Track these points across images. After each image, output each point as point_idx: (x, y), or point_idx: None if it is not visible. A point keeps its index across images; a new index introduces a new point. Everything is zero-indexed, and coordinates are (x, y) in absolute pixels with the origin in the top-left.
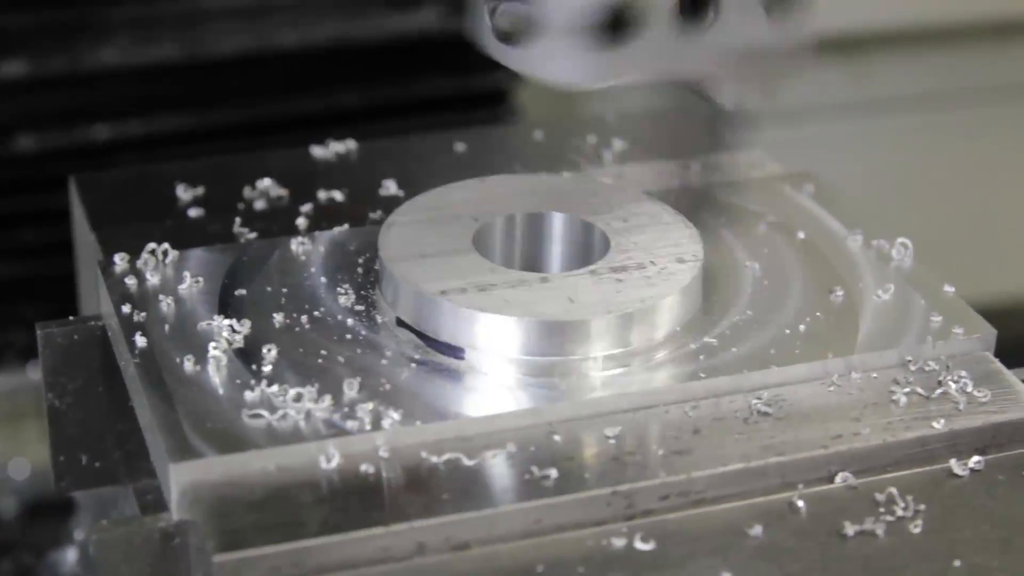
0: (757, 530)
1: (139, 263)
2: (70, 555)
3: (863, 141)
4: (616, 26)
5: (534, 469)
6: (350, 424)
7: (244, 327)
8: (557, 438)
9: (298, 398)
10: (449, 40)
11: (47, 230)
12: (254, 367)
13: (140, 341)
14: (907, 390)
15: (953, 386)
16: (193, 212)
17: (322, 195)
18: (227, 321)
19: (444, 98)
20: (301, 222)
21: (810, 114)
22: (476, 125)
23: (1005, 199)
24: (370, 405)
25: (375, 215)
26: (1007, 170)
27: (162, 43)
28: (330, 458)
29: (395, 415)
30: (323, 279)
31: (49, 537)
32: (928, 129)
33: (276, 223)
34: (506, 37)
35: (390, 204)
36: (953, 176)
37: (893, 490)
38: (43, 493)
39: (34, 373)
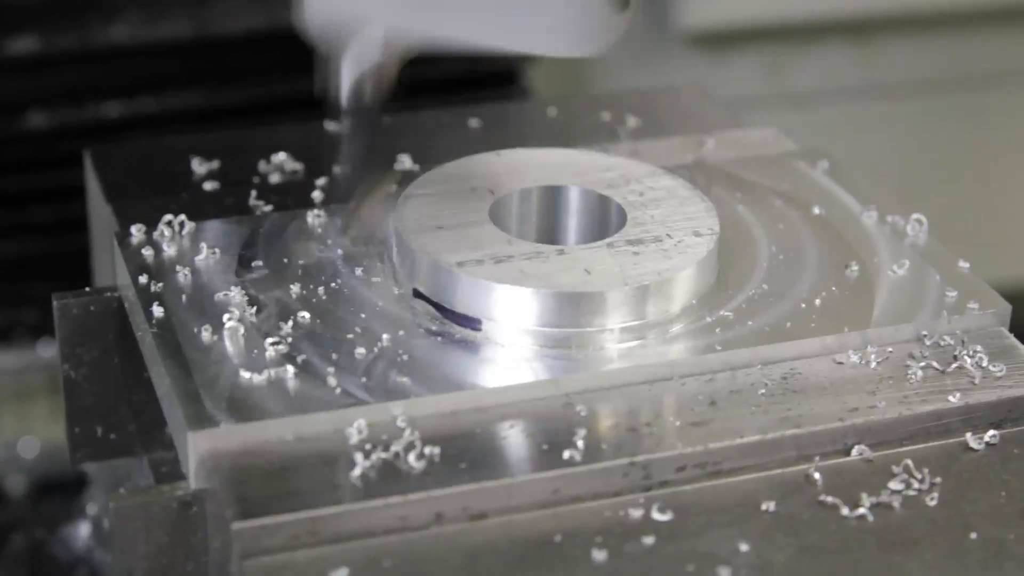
0: (773, 502)
1: (155, 234)
2: (82, 529)
3: (872, 123)
4: None
5: (551, 439)
6: (367, 394)
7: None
8: (577, 409)
9: (315, 368)
10: None
11: (58, 208)
12: (271, 337)
13: (157, 311)
14: (923, 364)
15: (968, 360)
16: (208, 185)
17: (337, 169)
18: (243, 292)
19: (455, 79)
20: (316, 195)
21: (819, 97)
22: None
23: (1016, 181)
24: (387, 375)
25: (390, 189)
26: (1018, 153)
27: (172, 20)
28: (348, 427)
29: (412, 385)
30: (339, 251)
31: (60, 514)
32: (938, 112)
33: (291, 196)
34: None
35: (405, 179)
36: (964, 158)
37: (909, 463)
38: (52, 472)
39: (44, 351)
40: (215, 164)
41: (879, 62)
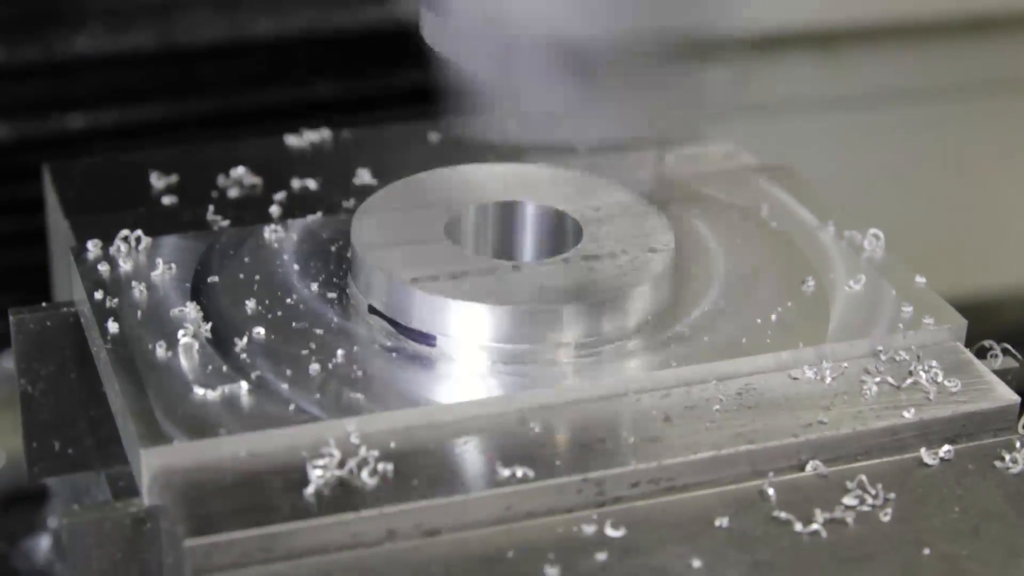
0: (727, 518)
1: (112, 250)
2: (44, 543)
3: (835, 135)
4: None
5: (505, 456)
6: (321, 410)
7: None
8: (531, 425)
9: (270, 384)
10: None
11: (21, 220)
12: (225, 353)
13: (112, 327)
14: (877, 379)
15: (923, 376)
16: (167, 200)
17: (296, 184)
18: (198, 308)
19: (421, 90)
20: (274, 210)
21: (782, 108)
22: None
23: (976, 194)
24: (341, 392)
25: (348, 204)
26: (980, 165)
27: (137, 32)
28: (301, 444)
29: (366, 401)
30: (296, 267)
31: (23, 526)
32: (901, 124)
33: (249, 211)
34: None
35: (364, 193)
36: (925, 170)
37: (863, 478)
38: (17, 483)
39: (8, 363)
40: (174, 179)
41: (842, 73)
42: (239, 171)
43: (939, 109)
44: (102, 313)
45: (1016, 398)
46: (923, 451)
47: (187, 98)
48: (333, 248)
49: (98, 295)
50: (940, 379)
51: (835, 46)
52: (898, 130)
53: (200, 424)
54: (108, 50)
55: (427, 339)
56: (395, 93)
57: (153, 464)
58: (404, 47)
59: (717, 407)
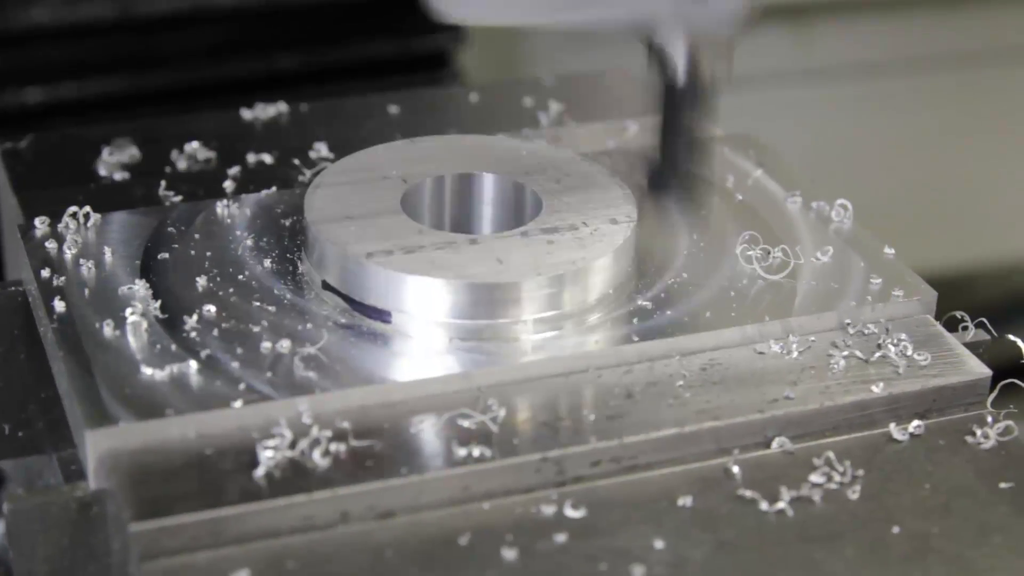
0: (691, 497)
1: (60, 227)
2: None
3: (806, 108)
4: None
5: (462, 435)
6: (272, 389)
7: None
8: (489, 403)
9: (220, 363)
10: (389, 2)
11: None
12: (175, 332)
13: (59, 306)
14: (846, 353)
15: (893, 349)
16: (118, 176)
17: (251, 158)
18: (147, 286)
19: (384, 61)
20: (228, 185)
21: (755, 80)
22: (416, 88)
23: (948, 166)
24: (294, 370)
25: (304, 178)
26: (951, 138)
27: (95, 2)
28: (251, 424)
29: (319, 380)
30: (248, 242)
31: None
32: (871, 97)
33: (203, 186)
34: None
35: (320, 167)
36: (897, 143)
37: (831, 455)
38: None
39: None
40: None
41: (815, 46)
42: (193, 145)
43: (912, 82)
44: (48, 291)
45: (987, 371)
46: (892, 426)
47: (146, 71)
48: (287, 223)
49: (45, 273)
50: (910, 352)
51: (808, 19)
52: (870, 103)
53: (147, 405)
54: (66, 21)
55: (382, 315)
56: (356, 65)
57: (99, 446)
58: (366, 18)
59: (681, 383)
